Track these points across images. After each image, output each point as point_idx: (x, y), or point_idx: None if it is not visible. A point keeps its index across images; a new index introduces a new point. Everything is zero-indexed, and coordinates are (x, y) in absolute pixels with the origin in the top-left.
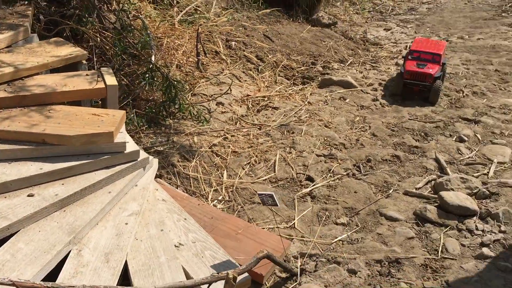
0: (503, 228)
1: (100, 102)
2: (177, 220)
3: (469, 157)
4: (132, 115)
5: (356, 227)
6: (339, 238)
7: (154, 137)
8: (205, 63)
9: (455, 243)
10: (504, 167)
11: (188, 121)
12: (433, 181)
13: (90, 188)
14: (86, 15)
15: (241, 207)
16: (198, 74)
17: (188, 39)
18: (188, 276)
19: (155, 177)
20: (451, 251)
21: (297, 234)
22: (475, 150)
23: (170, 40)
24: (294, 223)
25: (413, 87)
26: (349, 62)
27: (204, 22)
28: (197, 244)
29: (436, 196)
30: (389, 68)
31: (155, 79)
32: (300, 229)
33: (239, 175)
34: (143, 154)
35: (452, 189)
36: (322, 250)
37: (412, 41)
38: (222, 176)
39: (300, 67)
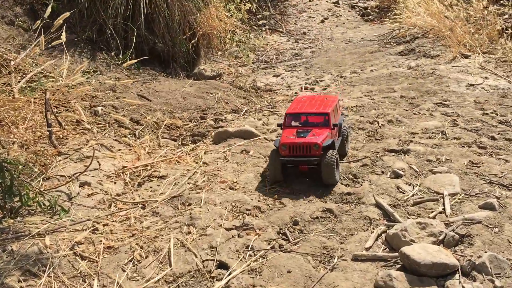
0: (498, 283)
1: None
2: None
3: (413, 195)
4: None
5: None
6: None
7: None
8: (62, 136)
9: None
10: (459, 198)
11: (37, 217)
12: (383, 234)
13: None
14: None
15: None
16: (52, 151)
17: (35, 111)
18: None
19: None
20: None
21: None
22: (416, 185)
23: (5, 112)
24: None
25: (297, 167)
26: (243, 111)
27: (54, 87)
28: None
29: (395, 254)
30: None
31: None
32: None
33: (118, 283)
34: None
35: (413, 241)
36: None
37: (293, 99)
38: None
39: (187, 124)
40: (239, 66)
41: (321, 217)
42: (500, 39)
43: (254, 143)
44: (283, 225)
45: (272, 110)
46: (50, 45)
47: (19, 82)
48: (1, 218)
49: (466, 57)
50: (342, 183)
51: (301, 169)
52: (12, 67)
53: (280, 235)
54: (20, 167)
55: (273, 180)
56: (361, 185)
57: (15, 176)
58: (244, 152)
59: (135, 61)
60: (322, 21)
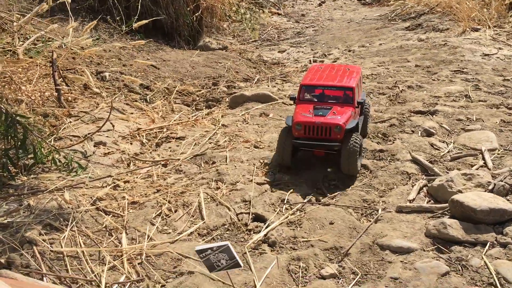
0: None
1: None
2: None
3: (449, 151)
4: None
5: (355, 276)
6: None
7: None
8: (70, 99)
9: (511, 266)
10: (498, 153)
11: (53, 174)
12: (425, 187)
13: None
14: None
15: (161, 286)
16: (61, 112)
17: (42, 74)
18: None
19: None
20: None
21: None
22: (451, 142)
23: (11, 71)
24: None
25: (312, 151)
26: (256, 80)
27: (61, 47)
28: None
29: (443, 205)
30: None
31: None
32: None
33: (149, 236)
34: None
35: (460, 191)
36: None
37: (308, 67)
38: (120, 243)
39: (200, 90)
40: (242, 44)
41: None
42: (509, 13)
43: (272, 106)
44: (316, 180)
45: (284, 79)
46: (55, 2)
47: (23, 43)
48: (14, 175)
49: (476, 30)
50: (372, 141)
51: (316, 154)
52: (15, 28)
53: (315, 189)
54: (31, 121)
55: (280, 163)
56: (393, 142)
57: (27, 132)
58: (263, 115)
59: (146, 21)
60: (320, 5)
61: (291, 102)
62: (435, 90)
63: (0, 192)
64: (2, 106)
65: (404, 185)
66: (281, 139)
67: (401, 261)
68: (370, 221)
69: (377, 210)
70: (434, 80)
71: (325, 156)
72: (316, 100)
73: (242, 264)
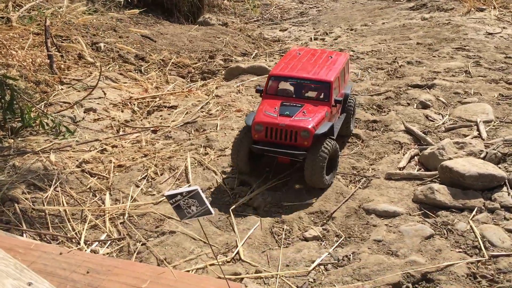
0: None
1: None
2: None
3: (444, 123)
4: None
5: (339, 239)
6: (318, 261)
7: None
8: (64, 67)
9: (497, 230)
10: (493, 125)
11: (40, 137)
12: (416, 156)
13: None
14: None
15: (142, 244)
16: (53, 78)
17: (35, 41)
18: None
19: None
20: (499, 244)
21: (248, 269)
22: (446, 114)
23: (2, 37)
24: (238, 253)
25: (275, 157)
26: (254, 55)
27: (54, 13)
28: None
29: (432, 173)
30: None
31: None
32: (250, 260)
33: (132, 197)
34: None
35: (450, 159)
36: (298, 287)
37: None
38: (104, 203)
39: (196, 63)
40: (244, 23)
41: (347, 142)
42: None
43: None
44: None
45: (283, 54)
46: None
47: (17, 11)
48: (1, 138)
49: (481, 10)
50: (366, 112)
51: (280, 161)
52: None
53: None
54: (21, 86)
55: (239, 170)
56: (387, 114)
57: (15, 94)
58: (258, 86)
59: (139, 10)
60: None
61: None
62: (435, 66)
63: None
64: None
65: (395, 154)
66: (237, 142)
67: (386, 225)
68: (359, 187)
69: (366, 177)
70: (434, 56)
71: (292, 163)
72: (286, 94)
73: (213, 212)
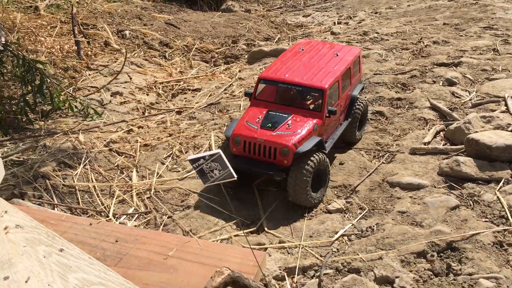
0: None
1: None
2: (46, 255)
3: (470, 99)
4: None
5: (362, 211)
6: (342, 232)
7: (13, 145)
8: (90, 54)
9: None
10: None
11: (69, 119)
12: (442, 132)
13: None
14: None
15: (168, 217)
16: (81, 65)
17: (62, 28)
18: None
19: (11, 198)
20: None
21: (271, 239)
22: (473, 91)
23: (31, 25)
24: (261, 224)
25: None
26: (276, 39)
27: (79, 3)
28: None
29: (458, 147)
30: (325, 38)
31: (5, 65)
32: (273, 231)
33: (158, 173)
34: None
35: (477, 132)
36: (321, 256)
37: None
38: (131, 179)
39: (219, 48)
40: (267, 10)
41: (371, 119)
42: None
43: None
44: None
45: (306, 38)
46: None
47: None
48: (32, 120)
49: None
50: (391, 90)
51: (266, 177)
52: None
53: None
54: (50, 72)
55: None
56: (412, 91)
57: (44, 78)
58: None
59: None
60: None
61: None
62: (462, 45)
63: (18, 134)
64: (20, 53)
65: (420, 129)
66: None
67: (410, 197)
68: (382, 162)
69: (390, 152)
70: (461, 36)
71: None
72: (275, 101)
73: (235, 176)
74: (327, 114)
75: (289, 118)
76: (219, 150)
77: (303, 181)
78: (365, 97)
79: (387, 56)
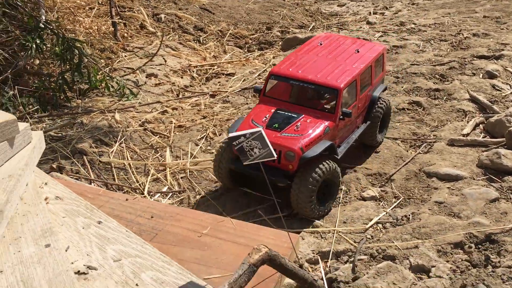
0: None
1: None
2: (85, 226)
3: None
4: (11, 92)
5: (397, 199)
6: (376, 219)
7: (51, 121)
8: (127, 36)
9: None
10: None
11: (106, 98)
12: (481, 124)
13: None
14: None
15: (201, 197)
16: (117, 46)
17: (99, 10)
18: None
19: (49, 171)
20: None
21: (305, 224)
22: None
23: (70, 5)
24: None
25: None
26: (311, 27)
27: None
28: (125, 263)
29: (499, 139)
30: (361, 28)
31: (45, 42)
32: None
33: (192, 154)
34: (5, 116)
35: None
36: (355, 242)
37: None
38: (165, 159)
39: (253, 34)
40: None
41: (407, 109)
42: None
43: None
44: None
45: (341, 27)
46: None
47: None
48: (70, 98)
49: None
50: (428, 81)
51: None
52: None
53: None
54: (88, 52)
55: (222, 182)
56: (451, 83)
57: (82, 57)
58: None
59: None
60: None
61: None
62: (503, 38)
63: (56, 110)
64: (59, 31)
65: (458, 121)
66: (218, 155)
67: (448, 188)
68: (419, 152)
69: (427, 142)
70: (502, 29)
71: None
72: (286, 99)
73: (275, 155)
74: (341, 117)
75: (299, 118)
76: (260, 128)
77: (308, 190)
78: (387, 98)
79: (424, 47)
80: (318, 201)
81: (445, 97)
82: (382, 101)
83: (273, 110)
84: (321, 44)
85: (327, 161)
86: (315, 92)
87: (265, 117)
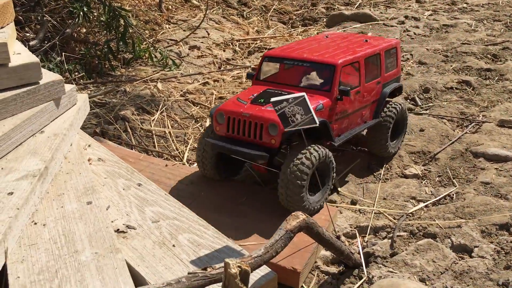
0: None
1: None
2: (125, 188)
3: None
4: (58, 58)
5: (441, 179)
6: (418, 198)
7: (95, 88)
8: (171, 8)
9: None
10: None
11: (149, 68)
12: None
13: None
14: None
15: None
16: (161, 18)
17: None
18: (141, 283)
19: (93, 135)
20: None
21: (344, 199)
22: None
23: None
24: (333, 184)
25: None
26: (357, 4)
27: None
28: (163, 224)
29: None
30: (409, 6)
31: (92, 10)
32: (347, 191)
33: None
34: (52, 76)
35: None
36: (395, 219)
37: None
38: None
39: (298, 10)
40: None
41: (456, 88)
42: None
43: (372, 26)
44: (411, 92)
45: (389, 5)
46: None
47: None
48: (114, 67)
49: None
50: (480, 60)
51: (254, 167)
52: None
53: (408, 100)
54: (133, 22)
55: (204, 173)
56: (504, 63)
57: (128, 26)
58: (361, 33)
59: None
60: None
61: (392, 23)
62: None
63: (101, 78)
64: (106, 0)
65: (510, 102)
66: (201, 140)
67: (496, 168)
68: (467, 132)
69: (476, 122)
70: None
71: (270, 172)
72: (278, 81)
73: (317, 122)
74: (339, 96)
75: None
76: (304, 94)
77: (298, 178)
78: (402, 102)
79: (477, 26)
80: (310, 192)
81: (496, 78)
82: (395, 104)
83: (261, 90)
84: (326, 37)
85: (318, 146)
86: (310, 72)
87: (253, 95)
